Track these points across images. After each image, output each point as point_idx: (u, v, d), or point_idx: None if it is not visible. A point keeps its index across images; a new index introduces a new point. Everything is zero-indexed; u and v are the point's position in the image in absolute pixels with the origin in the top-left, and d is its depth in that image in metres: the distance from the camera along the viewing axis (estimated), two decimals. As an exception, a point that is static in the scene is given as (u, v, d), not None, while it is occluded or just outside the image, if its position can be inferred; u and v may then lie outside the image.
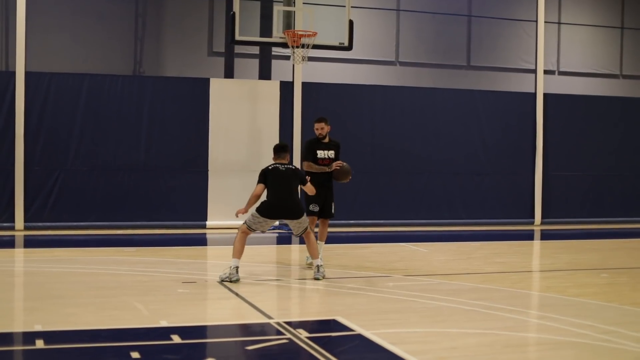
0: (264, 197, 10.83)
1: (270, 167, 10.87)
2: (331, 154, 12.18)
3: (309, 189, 11.07)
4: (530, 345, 7.72)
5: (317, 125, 12.22)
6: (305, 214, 10.93)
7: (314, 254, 10.97)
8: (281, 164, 10.92)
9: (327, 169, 12.03)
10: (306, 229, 10.89)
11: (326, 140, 12.24)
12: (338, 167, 11.99)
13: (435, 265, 12.77)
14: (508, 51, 22.72)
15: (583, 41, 23.52)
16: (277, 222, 11.58)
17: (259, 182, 10.81)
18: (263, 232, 11.02)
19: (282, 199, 10.71)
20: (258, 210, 10.73)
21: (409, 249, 14.88)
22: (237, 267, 10.54)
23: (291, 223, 10.86)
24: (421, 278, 11.33)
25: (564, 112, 20.00)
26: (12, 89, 16.27)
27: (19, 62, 16.28)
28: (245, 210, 10.76)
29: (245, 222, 10.76)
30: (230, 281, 10.39)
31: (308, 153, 12.18)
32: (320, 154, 12.14)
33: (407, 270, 11.98)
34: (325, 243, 12.41)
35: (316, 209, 11.99)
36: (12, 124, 16.26)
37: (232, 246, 10.67)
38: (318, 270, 10.87)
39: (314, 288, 10.60)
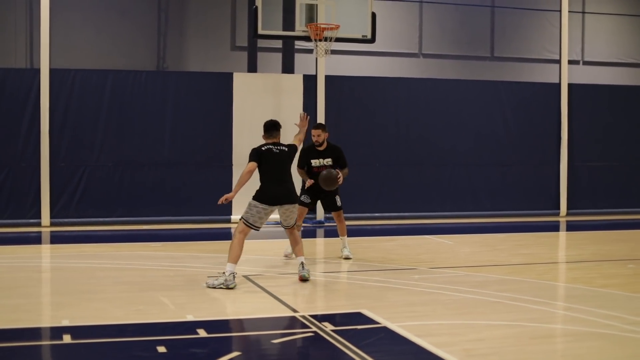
0: (254, 184, 10.07)
1: (263, 149, 10.21)
2: (328, 161, 11.89)
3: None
4: (557, 337, 7.70)
5: (313, 132, 11.92)
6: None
7: (298, 252, 10.40)
8: (275, 144, 10.28)
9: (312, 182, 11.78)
10: (296, 220, 10.41)
11: (322, 147, 11.93)
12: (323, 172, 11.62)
13: (460, 258, 12.74)
14: (532, 41, 22.60)
15: (607, 30, 23.35)
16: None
17: (253, 160, 10.04)
18: (259, 228, 10.15)
19: (282, 181, 10.15)
20: (257, 198, 10.02)
21: (434, 241, 14.85)
22: (234, 274, 9.80)
23: (287, 210, 10.16)
24: (447, 270, 11.31)
25: (588, 102, 19.86)
26: (36, 86, 16.36)
27: (44, 59, 16.37)
28: (234, 194, 9.91)
29: (242, 220, 10.05)
30: (228, 288, 9.66)
31: (302, 161, 11.97)
32: (315, 162, 11.90)
33: (432, 263, 11.96)
34: (349, 236, 12.41)
35: (308, 200, 11.96)
36: (38, 121, 16.36)
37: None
38: (303, 267, 10.25)
39: (339, 281, 10.61)
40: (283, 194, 10.12)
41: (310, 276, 10.31)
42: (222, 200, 9.92)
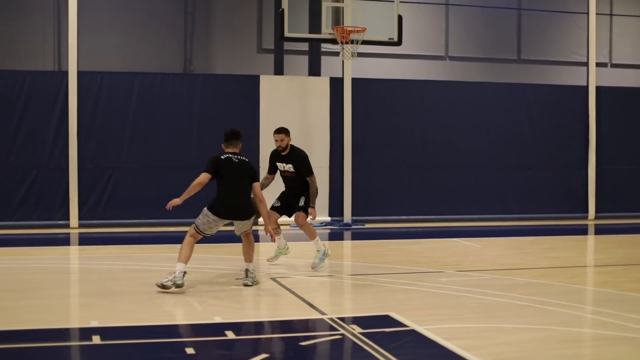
0: (207, 192, 10.01)
1: (222, 157, 9.96)
2: (289, 167, 11.47)
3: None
4: (585, 341, 7.65)
5: (276, 137, 11.38)
6: (254, 215, 10.15)
7: (248, 256, 10.17)
8: (234, 154, 10.02)
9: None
10: (250, 228, 10.17)
11: (286, 152, 11.44)
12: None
13: (488, 261, 12.69)
14: (559, 44, 22.48)
15: (635, 32, 23.18)
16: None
17: (207, 170, 9.92)
18: (209, 235, 10.13)
19: (238, 194, 9.94)
20: (211, 208, 9.97)
21: (461, 244, 14.81)
22: (183, 273, 9.59)
23: (240, 223, 10.04)
24: (474, 273, 11.27)
25: (616, 104, 19.75)
26: (65, 88, 16.49)
27: (71, 62, 16.50)
28: (181, 201, 9.82)
29: (194, 225, 10.02)
30: (175, 285, 9.47)
31: (270, 166, 11.65)
32: (280, 166, 11.55)
33: (459, 266, 11.93)
34: (375, 239, 12.36)
35: (277, 204, 11.54)
36: (66, 124, 16.49)
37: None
38: (247, 275, 10.08)
39: (366, 284, 10.59)
40: (236, 209, 9.93)
41: (253, 284, 10.03)
42: (169, 205, 9.79)
